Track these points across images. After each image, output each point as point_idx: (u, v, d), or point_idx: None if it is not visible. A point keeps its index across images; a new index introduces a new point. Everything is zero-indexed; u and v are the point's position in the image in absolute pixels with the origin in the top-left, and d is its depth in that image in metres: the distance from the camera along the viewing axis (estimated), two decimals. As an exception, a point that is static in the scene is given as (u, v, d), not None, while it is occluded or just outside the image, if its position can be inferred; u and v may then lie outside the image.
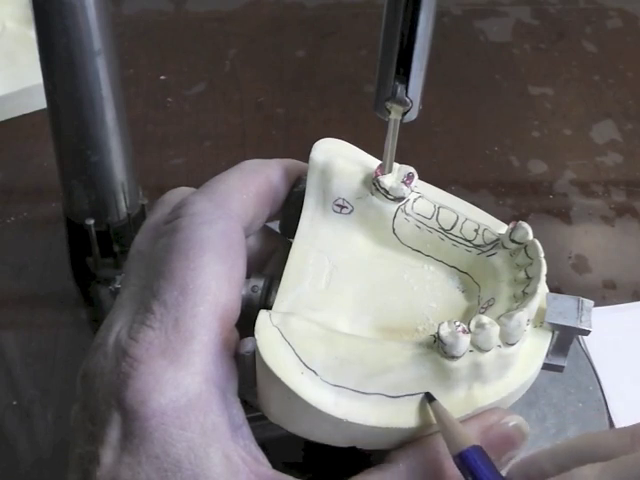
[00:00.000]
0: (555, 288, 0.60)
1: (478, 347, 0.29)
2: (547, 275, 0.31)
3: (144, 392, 0.28)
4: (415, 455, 0.29)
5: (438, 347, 0.29)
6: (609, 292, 0.60)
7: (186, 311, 0.29)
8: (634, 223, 0.65)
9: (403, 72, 0.30)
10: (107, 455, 0.28)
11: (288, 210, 0.35)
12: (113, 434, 0.28)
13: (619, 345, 0.55)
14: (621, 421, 0.51)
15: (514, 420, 0.30)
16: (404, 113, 0.31)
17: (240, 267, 0.32)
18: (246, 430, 0.30)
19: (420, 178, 0.35)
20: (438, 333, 0.29)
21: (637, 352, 0.55)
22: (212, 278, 0.30)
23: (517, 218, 0.64)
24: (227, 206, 0.32)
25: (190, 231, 0.31)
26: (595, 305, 0.60)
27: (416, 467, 0.29)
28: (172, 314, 0.29)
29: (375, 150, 0.35)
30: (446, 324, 0.29)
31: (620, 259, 0.63)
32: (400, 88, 0.31)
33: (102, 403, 0.29)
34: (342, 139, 0.36)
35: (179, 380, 0.28)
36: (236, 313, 0.32)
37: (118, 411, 0.28)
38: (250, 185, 0.34)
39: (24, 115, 0.70)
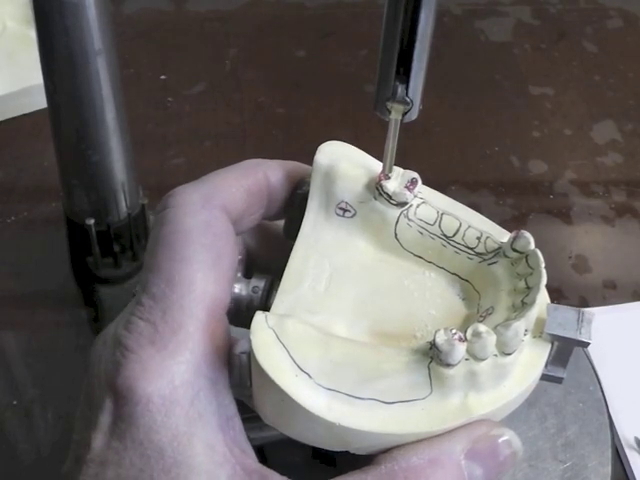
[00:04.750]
0: (555, 288, 0.60)
1: (474, 356, 0.29)
2: (547, 276, 0.31)
3: (131, 379, 0.29)
4: (398, 459, 0.29)
5: (434, 354, 0.29)
6: (609, 292, 0.60)
7: (173, 303, 0.30)
8: (634, 223, 0.65)
9: (403, 72, 0.30)
10: (97, 439, 0.29)
11: (291, 212, 0.35)
12: (104, 419, 0.29)
13: (619, 345, 0.55)
14: (621, 421, 0.51)
15: (505, 435, 0.30)
16: (404, 113, 0.31)
17: (228, 255, 0.32)
18: (237, 422, 0.30)
19: (420, 178, 0.35)
20: (434, 340, 0.29)
21: (637, 352, 0.55)
22: (198, 269, 0.31)
23: (517, 218, 0.64)
24: (213, 197, 0.33)
25: (175, 223, 0.32)
26: (595, 305, 0.61)
27: (398, 471, 0.29)
28: (160, 306, 0.30)
29: (375, 150, 0.35)
30: (442, 332, 0.29)
31: (620, 259, 0.63)
32: (400, 88, 0.31)
33: (98, 389, 0.30)
34: (342, 139, 0.36)
35: (166, 369, 0.29)
36: (225, 302, 0.32)
37: (110, 397, 0.29)
38: (243, 180, 0.34)
39: (24, 115, 0.70)
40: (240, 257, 0.35)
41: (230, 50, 0.79)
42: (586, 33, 0.83)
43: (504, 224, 0.35)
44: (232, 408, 0.30)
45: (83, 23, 0.45)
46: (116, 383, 0.29)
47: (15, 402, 0.52)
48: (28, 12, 0.68)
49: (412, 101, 0.31)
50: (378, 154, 0.34)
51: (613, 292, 0.60)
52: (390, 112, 0.31)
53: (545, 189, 0.67)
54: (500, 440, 0.30)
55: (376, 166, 0.35)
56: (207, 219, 0.32)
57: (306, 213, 0.35)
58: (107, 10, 0.46)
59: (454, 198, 0.35)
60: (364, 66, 0.77)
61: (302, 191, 0.35)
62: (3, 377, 0.53)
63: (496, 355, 0.29)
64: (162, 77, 0.76)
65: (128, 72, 0.74)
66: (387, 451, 0.29)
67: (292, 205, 0.35)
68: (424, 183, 0.35)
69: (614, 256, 0.63)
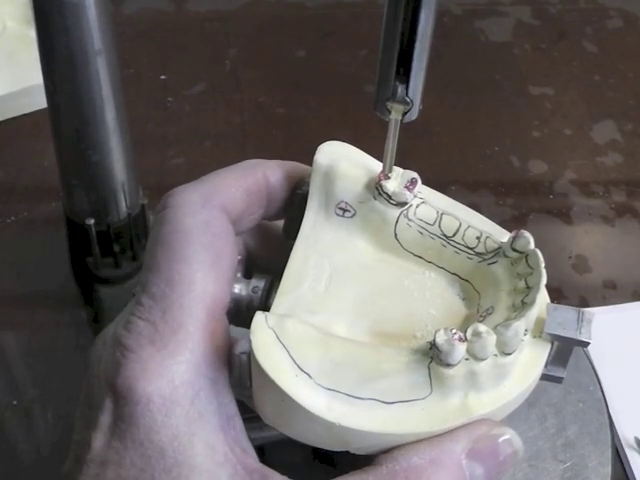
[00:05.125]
0: (555, 288, 0.60)
1: (474, 356, 0.29)
2: (547, 276, 0.31)
3: (131, 379, 0.29)
4: (399, 459, 0.29)
5: (434, 354, 0.29)
6: (609, 292, 0.60)
7: (173, 302, 0.30)
8: (634, 223, 0.65)
9: (403, 72, 0.30)
10: (98, 439, 0.29)
11: (291, 212, 0.35)
12: (104, 419, 0.29)
13: (619, 345, 0.55)
14: (621, 420, 0.51)
15: (506, 434, 0.30)
16: (404, 113, 0.31)
17: (228, 255, 0.32)
18: (238, 421, 0.30)
19: (420, 178, 0.34)
20: (434, 340, 0.29)
21: (637, 352, 0.55)
22: (198, 269, 0.31)
23: (517, 218, 0.64)
24: (212, 196, 0.33)
25: (174, 223, 0.32)
26: (595, 305, 0.61)
27: (399, 471, 0.29)
28: (159, 306, 0.30)
29: (375, 150, 0.35)
30: (442, 331, 0.29)
31: (620, 259, 0.63)
32: (400, 88, 0.31)
33: (97, 388, 0.30)
34: (342, 139, 0.36)
35: (165, 368, 0.29)
36: (224, 301, 0.32)
37: (110, 397, 0.29)
38: (242, 180, 0.34)
39: (24, 115, 0.70)
40: (240, 257, 0.35)
41: (230, 50, 0.79)
42: (586, 33, 0.83)
43: (504, 224, 0.35)
44: (232, 407, 0.30)
45: (83, 23, 0.45)
46: (116, 383, 0.29)
47: (15, 402, 0.52)
48: (28, 12, 0.68)
49: (412, 101, 0.31)
50: (378, 154, 0.34)
51: (613, 292, 0.60)
52: (390, 112, 0.31)
53: (545, 189, 0.67)
54: (501, 439, 0.30)
55: (376, 166, 0.35)
56: (206, 219, 0.32)
57: (306, 213, 0.34)
58: (107, 10, 0.46)
59: (454, 198, 0.35)
60: (364, 66, 0.77)
61: (302, 191, 0.35)
62: (3, 377, 0.53)
63: (496, 355, 0.29)
64: (162, 77, 0.76)
65: (128, 72, 0.74)
66: (388, 451, 0.29)
67: (292, 205, 0.35)
68: (424, 183, 0.35)
69: (614, 256, 0.63)
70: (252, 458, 0.30)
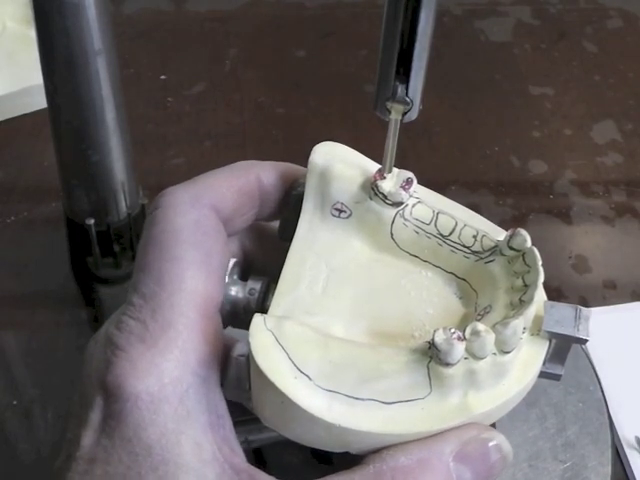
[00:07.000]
0: (555, 288, 0.60)
1: (473, 354, 0.29)
2: (547, 275, 0.31)
3: (121, 377, 0.29)
4: (387, 459, 0.29)
5: (433, 354, 0.29)
6: (609, 292, 0.60)
7: (163, 301, 0.30)
8: (634, 223, 0.65)
9: (403, 72, 0.30)
10: (87, 437, 0.29)
11: (286, 213, 0.35)
12: (94, 417, 0.29)
13: (619, 345, 0.55)
14: (621, 420, 0.51)
15: (495, 439, 0.30)
16: (404, 113, 0.31)
17: (218, 254, 0.32)
18: (227, 420, 0.30)
19: (420, 178, 0.34)
20: (433, 340, 0.29)
21: (637, 352, 0.55)
22: (187, 268, 0.31)
23: (517, 218, 0.64)
24: (202, 196, 0.33)
25: (165, 223, 0.32)
26: (595, 305, 0.61)
27: (386, 471, 0.29)
28: (150, 305, 0.30)
29: (375, 150, 0.35)
30: (441, 331, 0.29)
31: (620, 259, 0.63)
32: (400, 88, 0.31)
33: (89, 387, 0.30)
34: (342, 139, 0.36)
35: (155, 366, 0.29)
36: (216, 300, 0.32)
37: (100, 395, 0.29)
38: (233, 180, 0.34)
39: (24, 115, 0.70)
40: (236, 259, 0.35)
41: (230, 50, 0.79)
42: (586, 33, 0.83)
43: (504, 224, 0.35)
44: (222, 406, 0.30)
45: (83, 23, 0.45)
46: (106, 381, 0.29)
47: (15, 402, 0.52)
48: (28, 12, 0.68)
49: (412, 101, 0.31)
50: (378, 154, 0.34)
51: (613, 292, 0.60)
52: (390, 112, 0.31)
53: (545, 189, 0.67)
54: (490, 444, 0.30)
55: (371, 166, 0.35)
56: (196, 218, 0.32)
57: (302, 214, 0.34)
58: (107, 10, 0.46)
59: (454, 198, 0.35)
60: (364, 66, 0.77)
61: (297, 192, 0.35)
62: (3, 377, 0.53)
63: (495, 353, 0.29)
64: (162, 77, 0.76)
65: (128, 72, 0.74)
66: (377, 451, 0.29)
67: (286, 206, 0.35)
68: (424, 183, 0.35)
69: (614, 256, 0.63)
70: (240, 458, 0.30)
